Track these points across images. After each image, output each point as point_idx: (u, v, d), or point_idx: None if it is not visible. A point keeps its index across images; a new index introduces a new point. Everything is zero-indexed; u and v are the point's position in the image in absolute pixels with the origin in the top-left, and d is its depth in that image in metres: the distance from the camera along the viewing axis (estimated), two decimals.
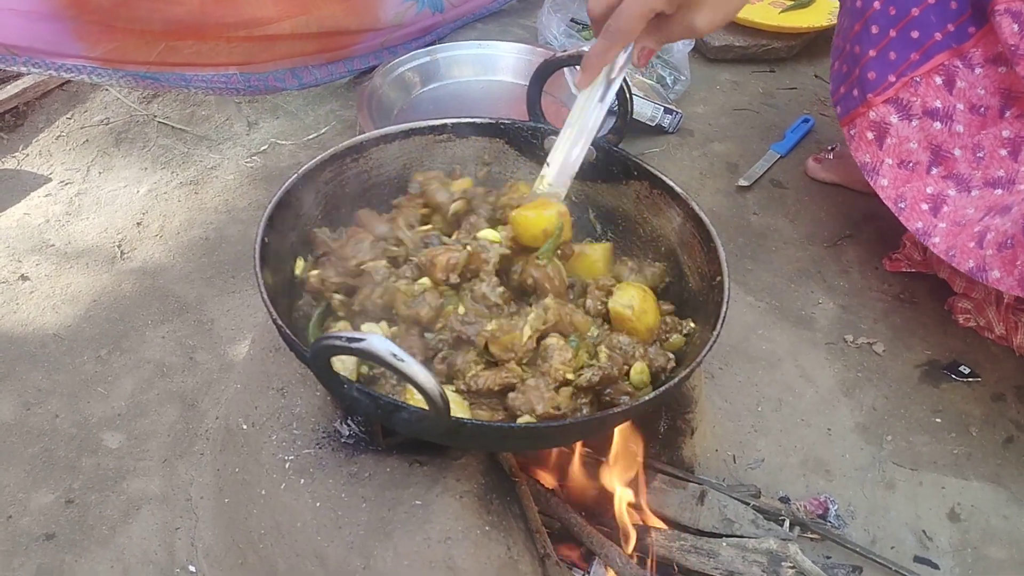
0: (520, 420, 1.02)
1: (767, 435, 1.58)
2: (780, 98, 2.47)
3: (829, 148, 2.19)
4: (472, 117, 1.38)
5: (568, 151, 1.20)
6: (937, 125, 1.61)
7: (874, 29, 1.61)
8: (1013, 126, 1.57)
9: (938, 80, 1.59)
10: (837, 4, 2.57)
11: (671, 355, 1.15)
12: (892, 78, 1.61)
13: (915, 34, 1.58)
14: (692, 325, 1.19)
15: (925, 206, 1.61)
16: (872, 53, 1.62)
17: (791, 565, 1.27)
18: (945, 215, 1.59)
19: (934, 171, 1.63)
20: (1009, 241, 1.43)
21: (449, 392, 1.03)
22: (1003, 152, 1.57)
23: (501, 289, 1.12)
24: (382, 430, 1.21)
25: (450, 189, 1.27)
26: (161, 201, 2.02)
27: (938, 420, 1.63)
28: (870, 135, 1.66)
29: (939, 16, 1.56)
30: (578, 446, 1.36)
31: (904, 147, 1.64)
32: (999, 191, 1.56)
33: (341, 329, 1.11)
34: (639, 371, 1.11)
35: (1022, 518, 1.48)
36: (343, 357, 1.00)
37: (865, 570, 1.37)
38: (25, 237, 1.90)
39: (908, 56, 1.59)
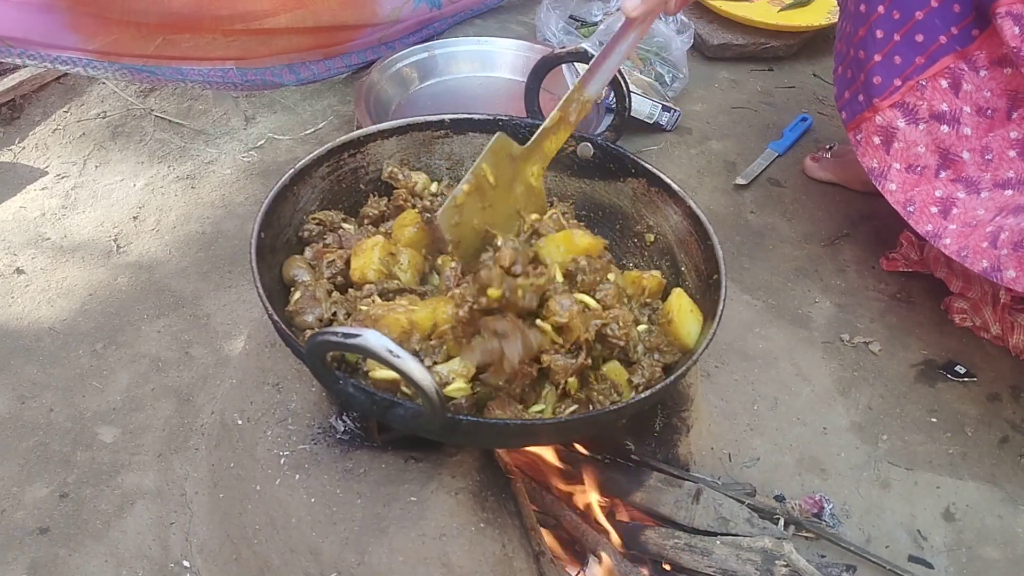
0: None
1: (763, 434, 1.58)
2: (778, 97, 2.47)
3: (827, 147, 2.19)
4: (470, 113, 1.38)
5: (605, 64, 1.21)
6: (944, 128, 1.60)
7: (879, 33, 1.60)
8: (1021, 127, 1.56)
9: (944, 83, 1.58)
10: (836, 3, 2.57)
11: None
12: (898, 82, 1.60)
13: (920, 38, 1.57)
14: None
15: (934, 209, 1.61)
16: (877, 58, 1.61)
17: (785, 564, 1.27)
18: (955, 217, 1.58)
19: (943, 174, 1.62)
20: None
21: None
22: (1012, 153, 1.57)
23: None
24: (377, 426, 1.21)
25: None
26: (158, 195, 2.01)
27: (934, 420, 1.63)
28: (877, 140, 1.65)
29: (943, 19, 1.56)
30: None
31: (912, 151, 1.63)
32: (1009, 192, 1.56)
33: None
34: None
35: (1017, 518, 1.49)
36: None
37: (859, 569, 1.37)
38: (21, 230, 1.90)
39: (913, 60, 1.59)
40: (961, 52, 1.56)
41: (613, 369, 1.12)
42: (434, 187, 1.36)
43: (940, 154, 1.61)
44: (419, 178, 1.34)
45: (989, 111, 1.58)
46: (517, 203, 1.23)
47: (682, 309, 1.17)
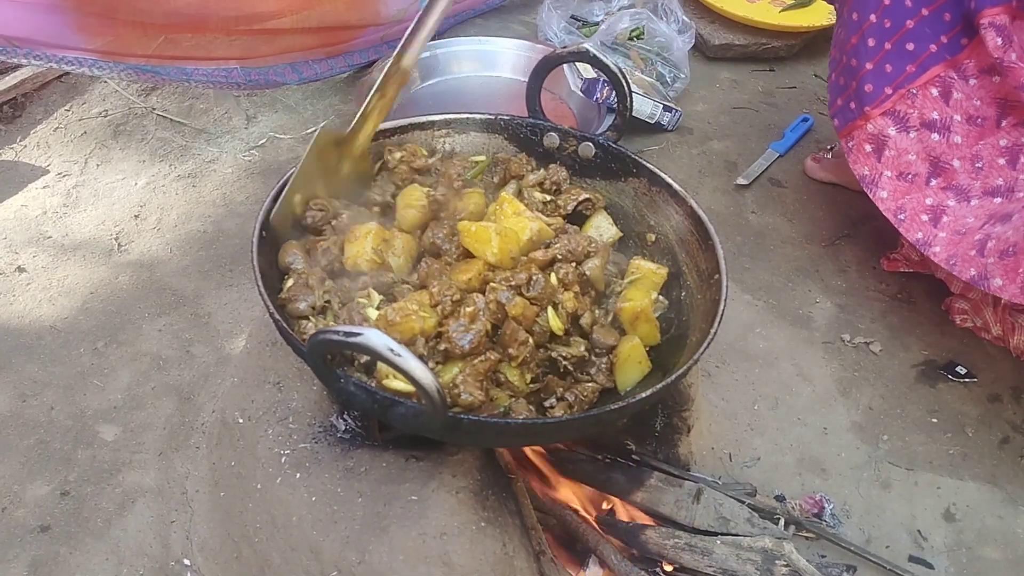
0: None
1: (763, 434, 1.58)
2: (779, 97, 2.47)
3: (828, 148, 2.19)
4: (471, 113, 1.38)
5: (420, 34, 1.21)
6: (935, 137, 1.61)
7: (871, 42, 1.61)
8: (1010, 135, 1.57)
9: (934, 92, 1.59)
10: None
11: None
12: (889, 90, 1.62)
13: (911, 46, 1.58)
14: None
15: (925, 217, 1.62)
16: (869, 66, 1.62)
17: (785, 563, 1.27)
18: (945, 225, 1.59)
19: (933, 182, 1.63)
20: (1011, 249, 1.43)
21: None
22: (1001, 161, 1.58)
23: None
24: (378, 425, 1.21)
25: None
26: (159, 194, 2.01)
27: (934, 420, 1.63)
28: (868, 147, 1.66)
29: (933, 28, 1.57)
30: None
31: (903, 159, 1.64)
32: (999, 199, 1.57)
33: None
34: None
35: (1017, 518, 1.49)
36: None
37: (860, 569, 1.37)
38: (22, 229, 1.90)
39: (904, 68, 1.60)
40: (951, 61, 1.57)
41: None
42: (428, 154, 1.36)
43: (931, 162, 1.62)
44: (416, 149, 1.33)
45: (979, 119, 1.59)
46: (347, 182, 1.26)
47: (630, 359, 1.16)
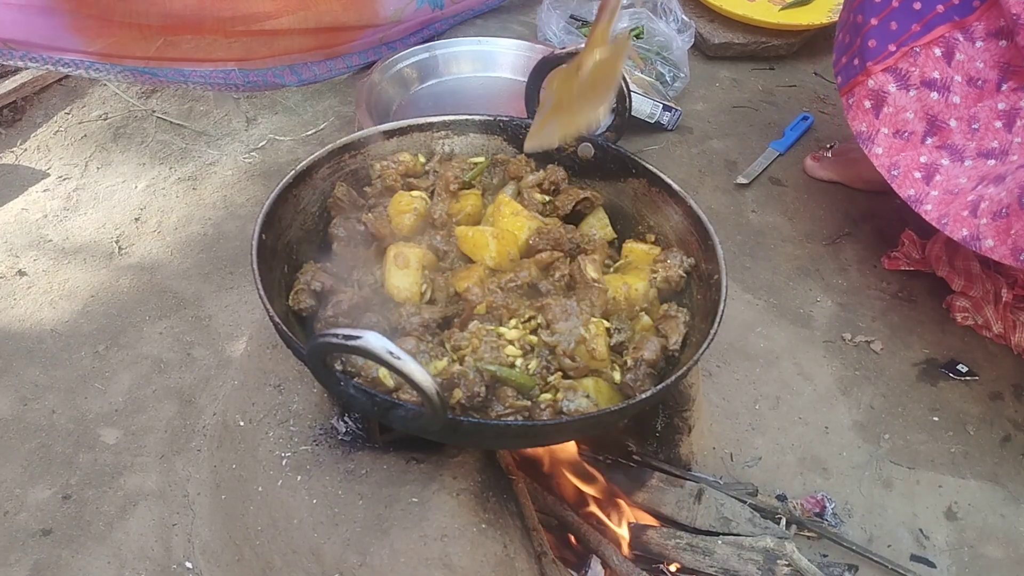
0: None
1: (764, 433, 1.58)
2: (779, 96, 2.47)
3: (827, 146, 2.19)
4: (471, 114, 1.38)
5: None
6: (934, 96, 1.63)
7: None
8: (1009, 99, 1.59)
9: (937, 51, 1.61)
10: (836, 3, 2.57)
11: None
12: (892, 47, 1.63)
13: (917, 5, 1.60)
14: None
15: (918, 174, 1.63)
16: (874, 22, 1.64)
17: (787, 563, 1.27)
18: (938, 184, 1.61)
19: (929, 141, 1.65)
20: (1004, 210, 1.44)
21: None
22: (998, 124, 1.60)
23: None
24: (379, 427, 1.21)
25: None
26: (159, 197, 2.01)
27: (935, 419, 1.63)
28: (867, 104, 1.68)
29: None
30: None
31: (900, 116, 1.66)
32: (992, 161, 1.58)
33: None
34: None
35: (1019, 517, 1.49)
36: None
37: (861, 568, 1.37)
38: (23, 232, 1.90)
39: (909, 27, 1.62)
40: (959, 22, 1.59)
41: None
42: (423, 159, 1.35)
43: (928, 121, 1.64)
44: (404, 157, 1.33)
45: (980, 81, 1.60)
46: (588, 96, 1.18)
47: None
